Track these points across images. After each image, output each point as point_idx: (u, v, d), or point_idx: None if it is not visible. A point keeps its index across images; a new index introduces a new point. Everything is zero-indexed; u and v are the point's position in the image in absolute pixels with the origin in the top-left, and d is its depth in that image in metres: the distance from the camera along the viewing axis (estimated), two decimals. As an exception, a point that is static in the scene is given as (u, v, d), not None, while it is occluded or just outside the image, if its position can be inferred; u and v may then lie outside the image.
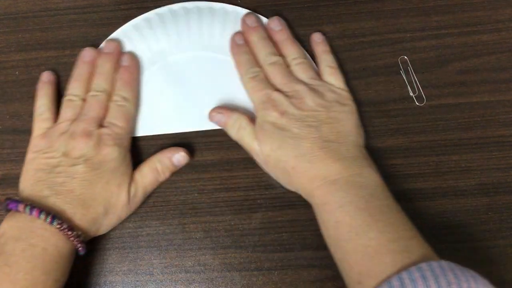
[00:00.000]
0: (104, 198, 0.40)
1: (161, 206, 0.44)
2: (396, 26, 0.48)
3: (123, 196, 0.40)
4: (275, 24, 0.46)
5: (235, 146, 0.45)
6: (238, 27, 0.46)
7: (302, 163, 0.39)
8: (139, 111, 0.45)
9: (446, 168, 0.44)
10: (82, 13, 0.49)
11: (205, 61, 0.46)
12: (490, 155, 0.44)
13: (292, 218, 0.43)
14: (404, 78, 0.45)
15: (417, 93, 0.45)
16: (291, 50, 0.45)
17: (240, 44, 0.45)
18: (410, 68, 0.46)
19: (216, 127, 0.45)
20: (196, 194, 0.44)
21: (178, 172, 0.44)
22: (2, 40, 0.48)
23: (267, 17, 0.47)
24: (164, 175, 0.43)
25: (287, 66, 0.44)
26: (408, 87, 0.46)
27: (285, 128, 0.40)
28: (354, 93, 0.45)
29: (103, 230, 0.41)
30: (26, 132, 0.45)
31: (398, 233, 0.36)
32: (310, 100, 0.41)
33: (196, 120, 0.45)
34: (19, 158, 0.43)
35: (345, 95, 0.43)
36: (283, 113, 0.41)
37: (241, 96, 0.45)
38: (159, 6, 0.48)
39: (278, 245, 0.43)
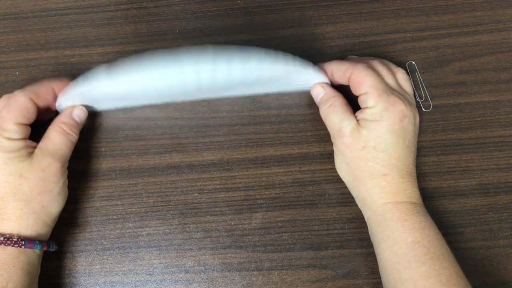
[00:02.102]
0: (16, 190, 0.38)
1: (161, 206, 0.44)
2: (396, 26, 0.48)
3: (34, 174, 0.38)
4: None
5: (235, 146, 0.45)
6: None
7: (396, 174, 0.39)
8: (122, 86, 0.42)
9: (446, 168, 0.44)
10: (82, 13, 0.49)
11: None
12: (490, 155, 0.44)
13: (292, 218, 0.43)
14: (411, 83, 0.45)
15: (423, 99, 0.45)
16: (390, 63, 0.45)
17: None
18: (418, 73, 0.46)
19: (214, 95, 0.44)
20: (196, 194, 0.44)
21: (178, 172, 0.44)
22: (2, 40, 0.48)
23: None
24: (72, 133, 0.41)
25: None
26: (415, 92, 0.45)
27: (401, 134, 0.40)
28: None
29: (51, 211, 0.39)
30: (26, 132, 0.45)
31: (461, 270, 0.37)
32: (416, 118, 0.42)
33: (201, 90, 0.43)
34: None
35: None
36: (404, 118, 0.40)
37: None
38: (158, 7, 0.48)
39: (278, 245, 0.43)
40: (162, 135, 0.45)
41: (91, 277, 0.42)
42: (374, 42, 0.47)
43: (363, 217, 0.42)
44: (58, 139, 0.40)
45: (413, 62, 0.47)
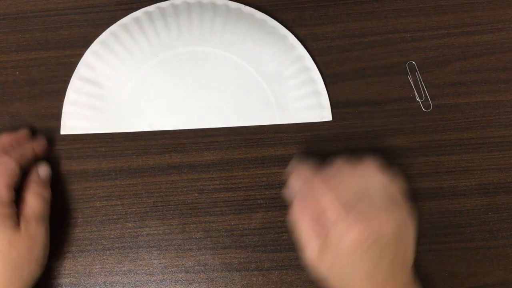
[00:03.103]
0: (4, 257, 0.38)
1: (161, 206, 0.44)
2: (396, 26, 0.48)
3: (22, 243, 0.38)
4: None
5: (235, 146, 0.45)
6: (239, 24, 0.46)
7: None
8: (136, 107, 0.45)
9: (446, 168, 0.44)
10: (82, 13, 0.49)
11: (205, 56, 0.46)
12: (490, 155, 0.44)
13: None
14: (411, 83, 0.45)
15: (423, 99, 0.45)
16: None
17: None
18: (418, 73, 0.46)
19: (213, 125, 0.45)
20: (196, 194, 0.44)
21: (178, 172, 0.44)
22: (2, 40, 0.48)
23: (267, 15, 0.47)
24: (45, 191, 0.41)
25: None
26: (415, 92, 0.45)
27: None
28: (354, 93, 0.45)
29: (35, 276, 0.39)
30: (26, 132, 0.45)
31: None
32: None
33: (194, 117, 0.45)
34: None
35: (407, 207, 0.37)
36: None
37: (241, 93, 0.45)
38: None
39: (278, 245, 0.43)
40: (162, 135, 0.45)
41: (91, 277, 0.42)
42: (374, 42, 0.47)
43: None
44: (36, 202, 0.40)
45: (413, 62, 0.47)
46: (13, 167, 0.40)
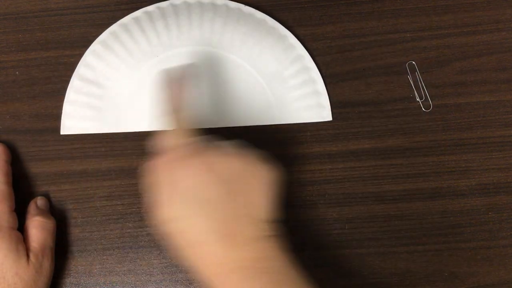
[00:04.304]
0: None
1: (161, 206, 0.44)
2: (396, 26, 0.48)
3: (29, 275, 0.39)
4: None
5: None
6: (239, 23, 0.46)
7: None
8: (136, 107, 0.45)
9: (446, 168, 0.44)
10: (82, 13, 0.49)
11: (205, 56, 0.46)
12: (490, 155, 0.44)
13: (291, 218, 0.43)
14: (411, 83, 0.45)
15: (423, 99, 0.45)
16: None
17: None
18: (418, 73, 0.46)
19: (212, 125, 0.45)
20: (196, 194, 0.44)
21: (178, 172, 0.44)
22: (2, 40, 0.48)
23: (267, 15, 0.47)
24: (48, 220, 0.42)
25: None
26: (415, 92, 0.45)
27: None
28: (354, 93, 0.46)
29: None
30: (26, 132, 0.45)
31: None
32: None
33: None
34: (19, 159, 0.44)
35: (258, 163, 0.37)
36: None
37: (241, 93, 0.45)
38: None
39: (278, 245, 0.43)
40: (162, 135, 0.45)
41: (91, 277, 0.42)
42: (374, 42, 0.47)
43: (363, 217, 0.42)
44: (41, 234, 0.41)
45: (413, 62, 0.47)
46: (10, 191, 0.41)
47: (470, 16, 0.48)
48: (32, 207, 0.42)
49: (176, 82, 0.39)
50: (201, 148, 0.35)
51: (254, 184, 0.35)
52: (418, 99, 0.45)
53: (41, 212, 0.42)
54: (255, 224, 0.34)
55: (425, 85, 0.46)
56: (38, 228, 0.41)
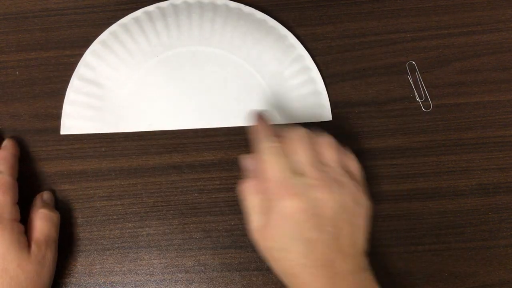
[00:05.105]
0: (12, 280, 0.37)
1: (161, 206, 0.44)
2: (396, 26, 0.48)
3: (31, 267, 0.38)
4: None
5: (235, 146, 0.45)
6: (239, 23, 0.46)
7: (306, 274, 0.33)
8: (136, 107, 0.45)
9: (446, 168, 0.44)
10: (82, 13, 0.49)
11: (205, 56, 0.46)
12: (490, 155, 0.44)
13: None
14: (411, 83, 0.45)
15: (423, 99, 0.45)
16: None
17: (262, 114, 0.39)
18: (418, 73, 0.46)
19: (213, 125, 0.45)
20: (196, 194, 0.44)
21: (178, 172, 0.44)
22: (2, 40, 0.48)
23: (267, 15, 0.47)
24: (52, 213, 0.42)
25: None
26: (415, 92, 0.45)
27: (299, 230, 0.33)
28: (354, 93, 0.46)
29: None
30: (26, 132, 0.45)
31: None
32: (335, 198, 0.34)
33: (194, 117, 0.45)
34: (19, 159, 0.44)
35: (362, 191, 0.36)
36: (301, 210, 0.33)
37: (241, 93, 0.45)
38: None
39: (278, 245, 0.43)
40: (162, 135, 0.45)
41: (91, 277, 0.42)
42: (374, 42, 0.47)
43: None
44: (45, 226, 0.40)
45: (413, 62, 0.47)
46: (14, 183, 0.41)
47: (470, 16, 0.48)
48: (38, 200, 0.43)
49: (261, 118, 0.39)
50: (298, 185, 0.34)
51: (357, 218, 0.35)
52: (418, 99, 0.45)
53: (46, 205, 0.42)
54: (354, 257, 0.34)
55: (425, 85, 0.46)
56: (42, 220, 0.41)
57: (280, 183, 0.34)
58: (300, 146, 0.35)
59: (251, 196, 0.36)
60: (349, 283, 0.33)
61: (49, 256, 0.40)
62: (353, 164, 0.37)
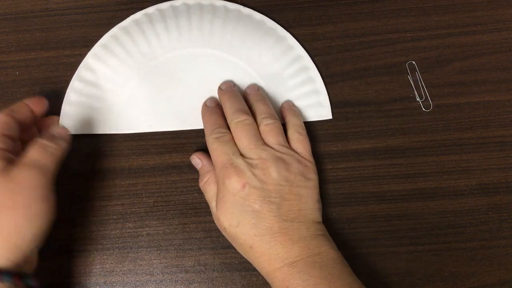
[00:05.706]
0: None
1: (161, 206, 0.44)
2: (396, 26, 0.48)
3: (3, 185, 0.34)
4: (251, 89, 0.44)
5: (235, 146, 0.45)
6: (239, 24, 0.46)
7: (260, 243, 0.37)
8: (136, 108, 0.45)
9: (446, 168, 0.44)
10: (82, 13, 0.49)
11: (205, 58, 0.46)
12: (490, 155, 0.44)
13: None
14: (411, 83, 0.45)
15: (423, 99, 0.45)
16: (262, 109, 0.42)
17: (211, 106, 0.43)
18: (418, 73, 0.46)
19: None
20: (196, 194, 0.44)
21: (178, 172, 0.44)
22: (2, 40, 0.48)
23: (267, 16, 0.47)
24: (52, 143, 0.37)
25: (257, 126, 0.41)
26: (415, 92, 0.45)
27: (245, 203, 0.37)
28: (354, 93, 0.46)
29: (25, 233, 0.34)
30: (26, 132, 0.45)
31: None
32: (275, 172, 0.38)
33: (194, 118, 0.45)
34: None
35: (310, 167, 0.40)
36: (244, 185, 0.37)
37: (240, 93, 0.45)
38: (159, 6, 0.48)
39: (278, 245, 0.43)
40: (162, 135, 0.45)
41: (91, 277, 0.42)
42: (374, 42, 0.47)
43: (363, 217, 0.42)
44: (36, 152, 0.36)
45: (413, 62, 0.47)
46: (5, 119, 0.37)
47: (470, 16, 0.48)
48: (43, 131, 0.39)
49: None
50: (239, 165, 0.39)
51: (303, 189, 0.39)
52: (418, 99, 0.45)
53: (51, 137, 0.38)
54: (306, 224, 0.38)
55: (425, 85, 0.46)
56: (35, 147, 0.36)
57: (225, 165, 0.39)
58: (243, 134, 0.40)
59: (209, 187, 0.41)
60: (302, 246, 0.37)
61: (33, 179, 0.34)
62: (302, 146, 0.41)
